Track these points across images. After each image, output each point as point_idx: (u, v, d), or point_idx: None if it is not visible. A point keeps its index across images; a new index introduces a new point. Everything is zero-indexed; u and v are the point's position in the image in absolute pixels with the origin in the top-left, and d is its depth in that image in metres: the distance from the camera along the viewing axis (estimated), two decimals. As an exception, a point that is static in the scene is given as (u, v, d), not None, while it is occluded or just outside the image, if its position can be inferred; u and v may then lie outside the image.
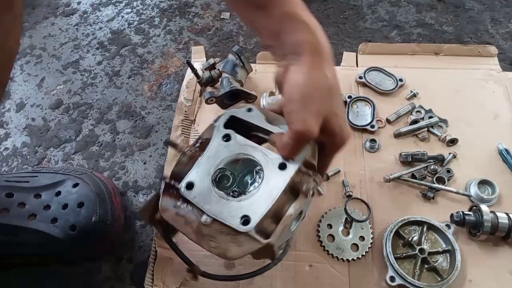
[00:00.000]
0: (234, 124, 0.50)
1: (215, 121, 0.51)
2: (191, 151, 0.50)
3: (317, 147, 0.50)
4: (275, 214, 0.45)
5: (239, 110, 0.51)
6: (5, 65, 0.35)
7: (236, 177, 0.48)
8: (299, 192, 0.45)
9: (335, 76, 0.46)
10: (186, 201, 0.46)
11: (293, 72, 0.44)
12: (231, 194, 0.47)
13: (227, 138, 0.49)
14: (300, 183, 0.45)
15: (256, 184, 0.47)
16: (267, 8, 0.46)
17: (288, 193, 0.46)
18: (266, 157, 0.47)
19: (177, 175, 0.49)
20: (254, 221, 0.43)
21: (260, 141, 0.50)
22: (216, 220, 0.44)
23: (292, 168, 0.45)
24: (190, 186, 0.47)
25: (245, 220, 0.43)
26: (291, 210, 0.44)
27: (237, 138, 0.49)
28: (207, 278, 0.50)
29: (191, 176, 0.47)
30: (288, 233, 0.48)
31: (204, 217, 0.44)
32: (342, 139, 0.47)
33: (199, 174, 0.47)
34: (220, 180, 0.48)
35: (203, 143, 0.50)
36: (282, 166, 0.46)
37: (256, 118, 0.50)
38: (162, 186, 0.48)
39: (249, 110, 0.51)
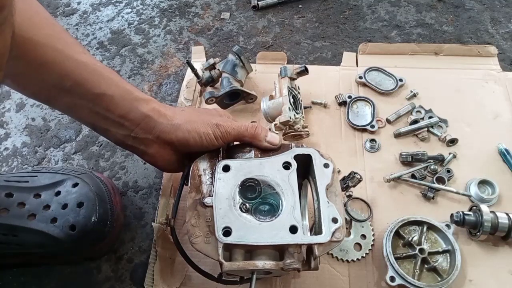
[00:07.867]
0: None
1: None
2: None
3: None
4: (251, 253, 0.45)
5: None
6: None
7: (258, 197, 0.48)
8: (283, 257, 0.45)
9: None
10: (213, 174, 0.49)
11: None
12: (242, 206, 0.47)
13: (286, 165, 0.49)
14: (289, 255, 0.44)
15: (267, 217, 0.47)
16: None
17: (275, 250, 0.46)
18: (293, 208, 0.46)
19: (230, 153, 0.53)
20: (230, 240, 0.44)
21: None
22: (212, 210, 0.46)
23: (299, 238, 0.44)
24: (226, 168, 0.48)
25: (226, 231, 0.44)
26: (261, 263, 0.44)
27: (293, 175, 0.49)
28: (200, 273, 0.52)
29: (232, 162, 0.49)
30: (247, 273, 0.48)
31: (208, 199, 0.47)
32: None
33: (238, 167, 0.49)
34: (246, 187, 0.48)
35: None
36: (293, 230, 0.45)
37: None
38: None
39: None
